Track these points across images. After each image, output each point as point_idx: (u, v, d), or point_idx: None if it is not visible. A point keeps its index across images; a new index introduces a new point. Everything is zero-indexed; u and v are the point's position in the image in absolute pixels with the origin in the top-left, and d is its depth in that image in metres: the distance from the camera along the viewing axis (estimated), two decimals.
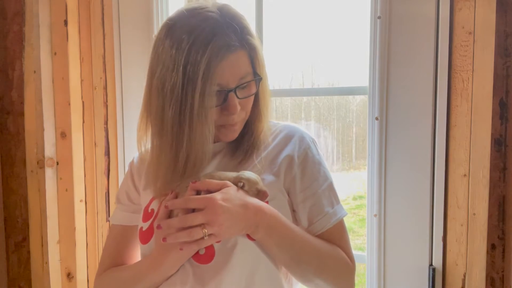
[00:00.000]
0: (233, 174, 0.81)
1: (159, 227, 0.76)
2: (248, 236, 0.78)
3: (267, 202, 0.81)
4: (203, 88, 0.75)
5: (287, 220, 0.82)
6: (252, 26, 0.83)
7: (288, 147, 0.88)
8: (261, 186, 0.80)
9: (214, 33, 0.75)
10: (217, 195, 0.74)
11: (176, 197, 0.81)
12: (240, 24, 0.79)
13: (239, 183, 0.79)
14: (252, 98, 0.85)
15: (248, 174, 0.80)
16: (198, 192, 0.78)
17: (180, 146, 0.78)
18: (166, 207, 0.77)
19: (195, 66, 0.74)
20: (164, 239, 0.74)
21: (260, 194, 0.80)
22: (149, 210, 0.86)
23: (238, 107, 0.80)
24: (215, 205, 0.72)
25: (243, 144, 0.87)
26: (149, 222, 0.85)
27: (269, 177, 0.85)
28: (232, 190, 0.77)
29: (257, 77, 0.83)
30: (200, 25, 0.76)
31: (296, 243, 0.81)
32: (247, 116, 0.86)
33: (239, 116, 0.83)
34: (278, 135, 0.90)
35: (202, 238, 0.72)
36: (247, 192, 0.79)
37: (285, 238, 0.79)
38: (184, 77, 0.75)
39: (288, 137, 0.90)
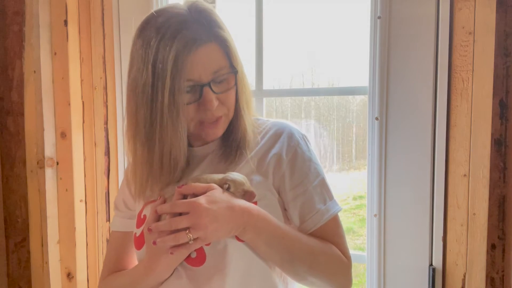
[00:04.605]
0: (219, 176, 0.80)
1: (149, 230, 0.76)
2: (237, 238, 0.78)
3: (255, 203, 0.80)
4: (172, 84, 0.75)
5: (277, 220, 0.81)
6: (220, 19, 0.81)
7: (277, 145, 0.86)
8: (248, 186, 0.79)
9: (180, 28, 0.75)
10: (202, 199, 0.74)
11: (164, 202, 0.81)
12: (208, 18, 0.78)
13: (225, 185, 0.78)
14: (233, 93, 0.83)
15: (234, 175, 0.79)
16: (184, 197, 0.77)
17: (153, 146, 0.79)
18: (155, 211, 0.78)
19: (163, 63, 0.74)
20: (154, 242, 0.74)
21: (247, 195, 0.79)
22: (142, 216, 0.87)
23: (215, 102, 0.79)
24: (199, 209, 0.72)
25: (231, 145, 0.86)
26: (142, 228, 0.85)
27: (257, 177, 0.84)
28: (217, 192, 0.76)
29: (233, 70, 0.81)
30: (167, 22, 0.76)
31: (286, 242, 0.80)
32: (231, 112, 0.84)
33: (219, 111, 0.82)
34: (267, 134, 0.89)
35: (188, 242, 0.72)
36: (233, 193, 0.78)
37: (274, 238, 0.79)
38: (154, 75, 0.75)
39: (277, 135, 0.88)
